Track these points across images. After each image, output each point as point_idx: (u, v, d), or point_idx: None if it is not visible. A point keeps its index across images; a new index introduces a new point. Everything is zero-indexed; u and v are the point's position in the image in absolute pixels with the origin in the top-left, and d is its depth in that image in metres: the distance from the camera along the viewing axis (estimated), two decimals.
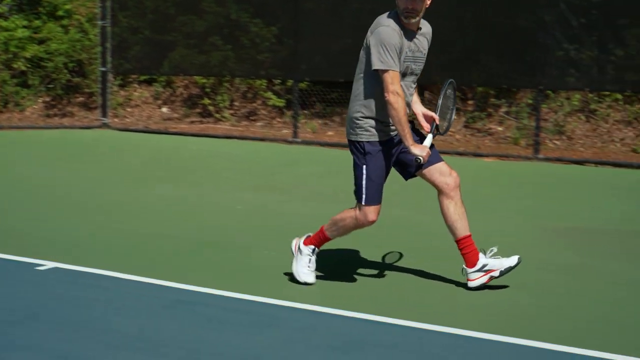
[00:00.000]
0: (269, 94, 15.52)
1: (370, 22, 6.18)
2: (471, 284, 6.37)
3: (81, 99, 17.13)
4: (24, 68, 16.62)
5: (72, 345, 5.23)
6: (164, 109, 16.69)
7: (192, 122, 15.93)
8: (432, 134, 6.29)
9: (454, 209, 6.31)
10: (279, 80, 15.41)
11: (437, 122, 6.35)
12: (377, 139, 6.21)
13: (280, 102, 15.36)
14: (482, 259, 6.33)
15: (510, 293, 6.34)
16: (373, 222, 6.33)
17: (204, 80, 16.15)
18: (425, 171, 6.30)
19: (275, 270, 6.89)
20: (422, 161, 6.06)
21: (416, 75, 6.27)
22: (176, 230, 8.25)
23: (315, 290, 6.42)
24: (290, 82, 14.82)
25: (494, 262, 6.33)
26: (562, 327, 5.64)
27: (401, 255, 7.35)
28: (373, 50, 6.06)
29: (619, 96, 13.24)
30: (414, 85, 6.30)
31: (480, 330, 5.53)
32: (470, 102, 13.71)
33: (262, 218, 8.83)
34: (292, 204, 9.52)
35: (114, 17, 15.90)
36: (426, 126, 6.34)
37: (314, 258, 6.57)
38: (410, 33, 6.15)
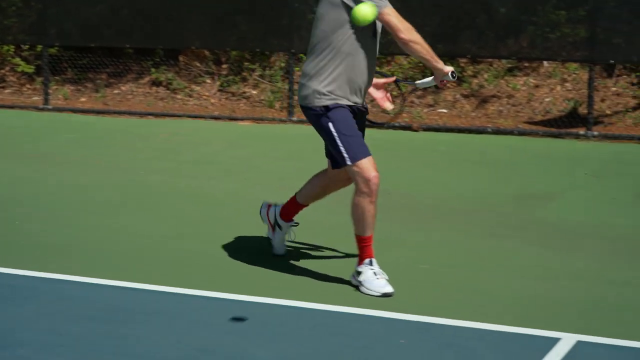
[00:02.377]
0: (18, 60, 14.99)
1: None
2: (268, 234, 6.49)
3: None
4: None
5: None
6: None
7: None
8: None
9: (326, 188, 6.23)
10: (27, 46, 14.92)
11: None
12: (338, 103, 5.69)
13: (30, 69, 14.87)
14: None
15: (301, 255, 6.57)
16: (377, 178, 5.57)
17: None
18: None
19: (36, 242, 6.74)
20: (455, 75, 5.73)
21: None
22: None
23: (76, 262, 6.32)
24: (39, 48, 14.39)
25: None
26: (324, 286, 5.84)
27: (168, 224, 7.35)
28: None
29: None
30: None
31: (260, 295, 5.66)
32: (224, 66, 13.75)
33: (15, 189, 8.56)
34: (44, 173, 9.23)
35: None
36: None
37: (377, 269, 5.70)
38: None
